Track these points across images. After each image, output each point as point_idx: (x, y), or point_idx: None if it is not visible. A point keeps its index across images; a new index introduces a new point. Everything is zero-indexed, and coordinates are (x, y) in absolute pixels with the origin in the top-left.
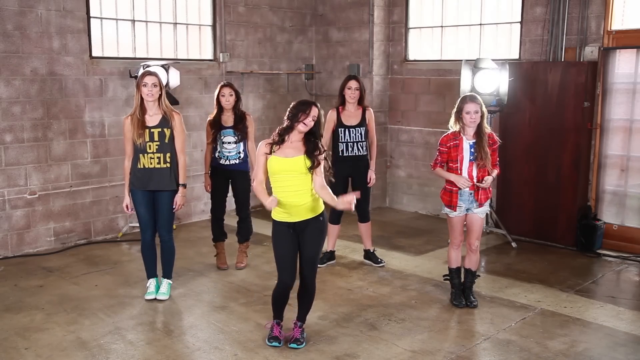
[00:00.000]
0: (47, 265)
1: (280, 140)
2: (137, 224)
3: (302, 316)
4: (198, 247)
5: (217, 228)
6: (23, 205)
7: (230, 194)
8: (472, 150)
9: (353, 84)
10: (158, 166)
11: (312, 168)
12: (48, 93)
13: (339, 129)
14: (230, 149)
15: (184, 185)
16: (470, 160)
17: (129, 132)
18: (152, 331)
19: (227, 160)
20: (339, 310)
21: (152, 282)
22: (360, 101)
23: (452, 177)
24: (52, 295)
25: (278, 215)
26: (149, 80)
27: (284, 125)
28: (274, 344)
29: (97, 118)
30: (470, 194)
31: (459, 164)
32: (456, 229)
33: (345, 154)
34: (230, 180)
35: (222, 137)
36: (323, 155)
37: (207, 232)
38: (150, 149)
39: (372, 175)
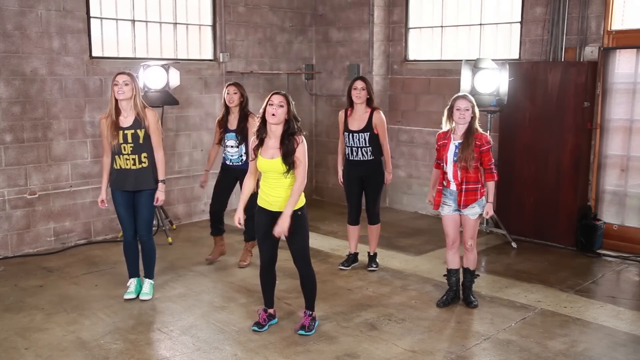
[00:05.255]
0: (47, 265)
1: (260, 142)
2: None
3: (308, 305)
4: (198, 247)
5: (212, 221)
6: (23, 205)
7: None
8: (457, 151)
9: (359, 84)
10: (134, 167)
11: (287, 172)
12: (48, 93)
13: (345, 133)
14: (233, 152)
15: (163, 181)
16: (453, 161)
17: (105, 132)
18: (152, 331)
19: (231, 162)
20: (339, 310)
21: (132, 282)
22: (370, 102)
23: (430, 190)
24: (52, 295)
25: (260, 201)
26: (119, 78)
27: (258, 123)
28: (253, 328)
29: (97, 118)
30: (452, 193)
31: (444, 163)
32: (447, 228)
33: (351, 158)
34: (237, 179)
35: (226, 140)
36: (300, 139)
37: (207, 232)
38: (124, 150)
39: (387, 176)
